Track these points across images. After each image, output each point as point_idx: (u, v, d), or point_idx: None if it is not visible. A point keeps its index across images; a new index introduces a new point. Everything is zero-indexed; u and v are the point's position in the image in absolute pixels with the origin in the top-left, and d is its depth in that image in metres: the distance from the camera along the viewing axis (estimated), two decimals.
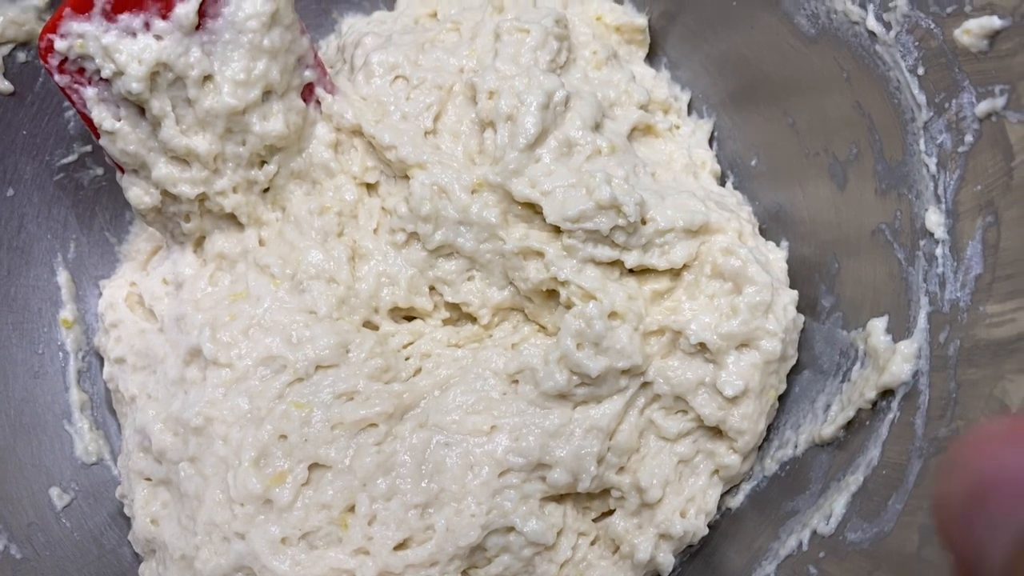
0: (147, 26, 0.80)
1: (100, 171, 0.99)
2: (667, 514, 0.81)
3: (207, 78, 0.83)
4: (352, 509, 0.78)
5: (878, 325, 0.74)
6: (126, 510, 0.87)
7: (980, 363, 0.63)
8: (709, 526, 0.82)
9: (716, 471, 0.82)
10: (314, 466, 0.79)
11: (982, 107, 0.67)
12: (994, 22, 0.66)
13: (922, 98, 0.72)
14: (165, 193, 0.88)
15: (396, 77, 0.91)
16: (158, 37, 0.80)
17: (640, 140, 0.93)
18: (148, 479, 0.85)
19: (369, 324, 0.87)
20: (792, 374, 0.83)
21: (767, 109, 0.90)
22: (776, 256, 0.86)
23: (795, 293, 0.82)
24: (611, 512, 0.84)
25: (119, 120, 0.84)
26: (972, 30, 0.67)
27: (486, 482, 0.79)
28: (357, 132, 0.90)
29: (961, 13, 0.68)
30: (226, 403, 0.81)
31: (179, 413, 0.83)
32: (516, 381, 0.83)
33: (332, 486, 0.78)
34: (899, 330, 0.72)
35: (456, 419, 0.81)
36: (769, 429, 0.83)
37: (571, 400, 0.81)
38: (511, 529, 0.78)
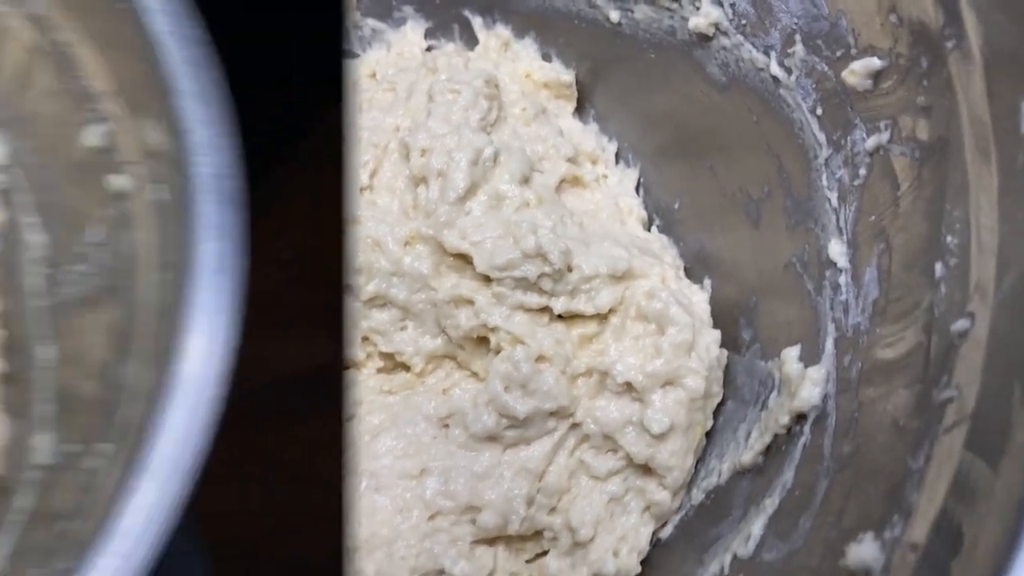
0: None
1: None
2: (600, 553, 0.81)
3: None
4: None
5: (791, 353, 0.76)
6: None
7: (876, 382, 0.65)
8: None
9: (647, 508, 0.82)
10: None
11: (871, 142, 0.70)
12: (875, 63, 0.70)
13: (822, 136, 0.76)
14: None
15: None
16: None
17: (568, 191, 0.96)
18: None
19: None
20: (718, 406, 0.84)
21: (688, 155, 0.93)
22: (698, 298, 0.88)
23: (717, 333, 0.84)
24: (545, 553, 0.84)
25: None
26: (857, 71, 0.71)
27: (416, 526, 0.79)
28: None
29: (848, 56, 0.72)
30: None
31: None
32: (447, 425, 0.84)
33: None
34: (810, 357, 0.74)
35: (386, 464, 0.82)
36: (697, 462, 0.84)
37: (501, 442, 0.82)
38: (441, 572, 0.79)
